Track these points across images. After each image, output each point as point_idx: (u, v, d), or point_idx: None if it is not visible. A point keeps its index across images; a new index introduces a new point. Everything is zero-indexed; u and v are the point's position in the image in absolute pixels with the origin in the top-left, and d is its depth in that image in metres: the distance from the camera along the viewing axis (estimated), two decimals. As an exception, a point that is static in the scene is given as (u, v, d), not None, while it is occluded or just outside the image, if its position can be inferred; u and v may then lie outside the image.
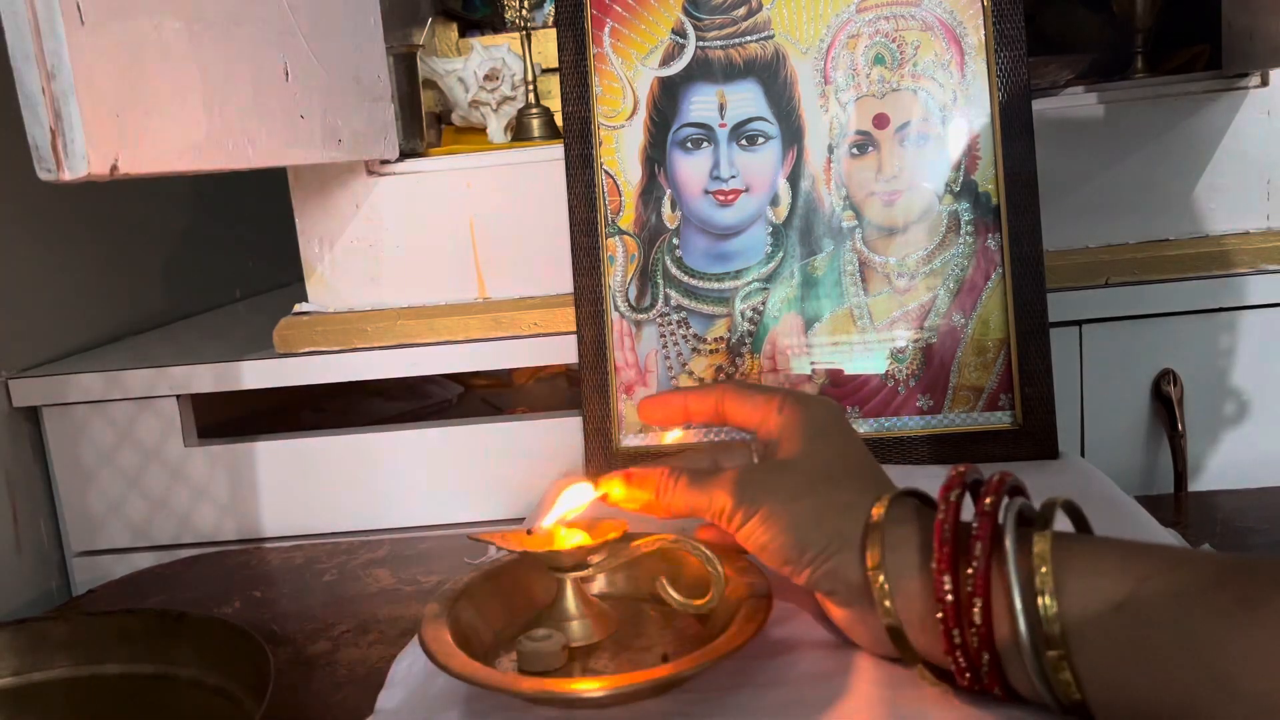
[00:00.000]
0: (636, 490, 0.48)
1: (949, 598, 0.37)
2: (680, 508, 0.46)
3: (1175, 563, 0.35)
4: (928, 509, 0.43)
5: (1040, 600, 0.35)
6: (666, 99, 0.69)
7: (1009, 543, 0.36)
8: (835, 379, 0.68)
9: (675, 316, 0.69)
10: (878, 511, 0.41)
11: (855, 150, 0.68)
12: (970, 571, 0.37)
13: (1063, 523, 0.38)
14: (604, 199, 0.70)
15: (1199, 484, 0.71)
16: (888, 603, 0.39)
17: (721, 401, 0.50)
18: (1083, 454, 0.72)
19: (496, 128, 0.87)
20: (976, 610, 0.36)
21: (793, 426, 0.46)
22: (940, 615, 0.37)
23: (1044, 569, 0.35)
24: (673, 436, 0.68)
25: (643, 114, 0.70)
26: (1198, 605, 0.33)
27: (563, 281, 0.74)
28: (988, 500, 0.38)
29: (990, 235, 0.66)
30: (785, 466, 0.45)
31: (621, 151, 0.70)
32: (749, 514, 0.43)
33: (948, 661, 0.38)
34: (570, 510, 0.49)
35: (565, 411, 0.74)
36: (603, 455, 0.69)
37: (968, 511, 0.40)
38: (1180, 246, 0.72)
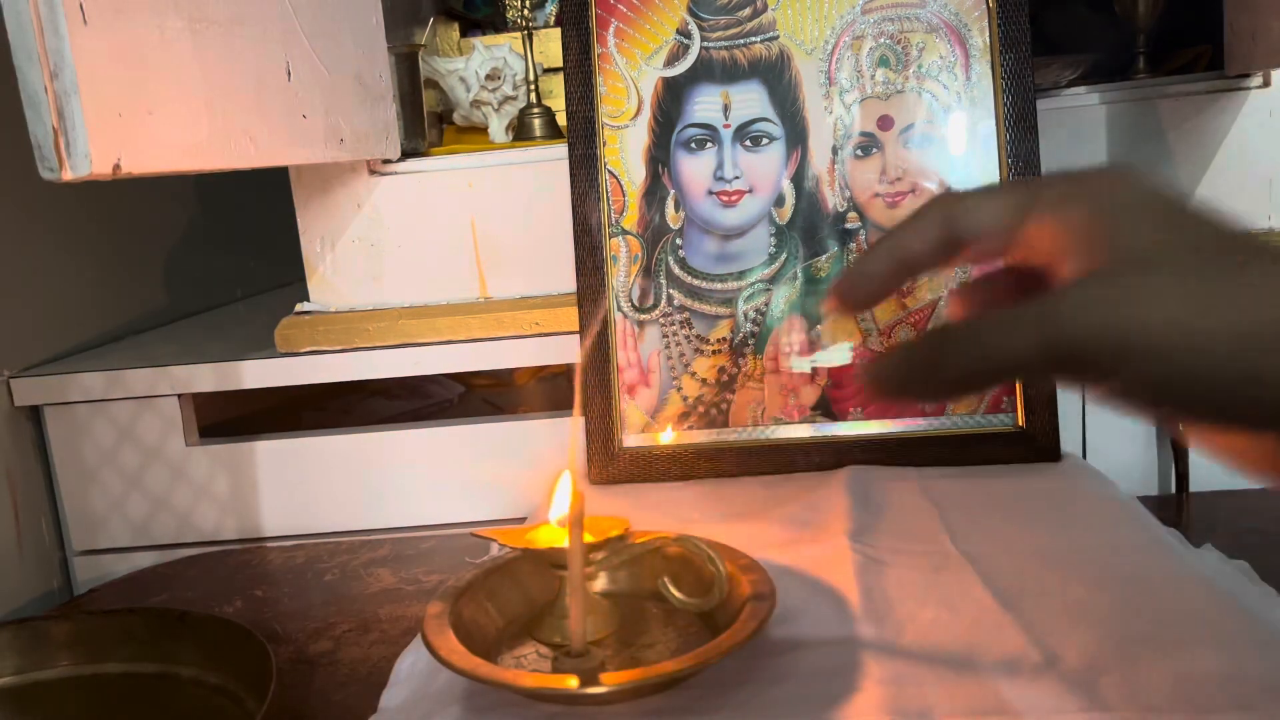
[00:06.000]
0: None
1: None
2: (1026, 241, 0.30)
3: None
4: None
5: None
6: (671, 99, 0.69)
7: None
8: (838, 380, 0.67)
9: (678, 317, 0.69)
10: None
11: (859, 152, 0.68)
12: None
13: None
14: (607, 199, 0.70)
15: (1200, 485, 0.71)
16: None
17: (947, 226, 0.31)
18: (1084, 455, 0.72)
19: (498, 127, 0.87)
20: None
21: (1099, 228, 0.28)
22: None
23: None
24: (666, 438, 0.68)
25: (647, 114, 0.70)
26: None
27: (565, 281, 0.74)
28: None
29: (992, 236, 0.66)
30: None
31: (625, 151, 0.70)
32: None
33: None
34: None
35: (565, 411, 0.74)
36: (603, 455, 0.69)
37: None
38: (1182, 247, 0.71)
